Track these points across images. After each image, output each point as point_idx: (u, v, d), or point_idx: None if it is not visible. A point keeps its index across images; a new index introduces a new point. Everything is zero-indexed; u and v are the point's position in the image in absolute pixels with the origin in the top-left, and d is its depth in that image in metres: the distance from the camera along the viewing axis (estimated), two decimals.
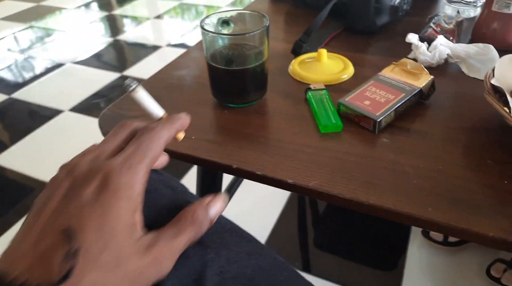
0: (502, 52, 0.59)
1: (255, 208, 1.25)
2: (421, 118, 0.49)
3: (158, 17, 2.80)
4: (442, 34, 0.62)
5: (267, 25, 0.48)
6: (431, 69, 0.59)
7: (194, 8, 2.93)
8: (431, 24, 0.63)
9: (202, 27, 0.48)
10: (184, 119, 0.31)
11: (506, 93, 0.44)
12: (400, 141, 0.45)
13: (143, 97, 0.33)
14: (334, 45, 0.69)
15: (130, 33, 2.55)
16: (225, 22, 0.53)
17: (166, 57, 2.22)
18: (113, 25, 2.73)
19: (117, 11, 2.93)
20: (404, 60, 0.53)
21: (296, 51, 0.64)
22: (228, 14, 0.52)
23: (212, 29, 0.51)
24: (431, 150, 0.44)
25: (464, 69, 0.58)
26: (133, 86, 0.32)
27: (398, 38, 0.67)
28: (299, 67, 0.61)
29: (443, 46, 0.58)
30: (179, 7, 2.94)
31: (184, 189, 0.36)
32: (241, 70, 0.50)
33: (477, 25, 0.65)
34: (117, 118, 0.53)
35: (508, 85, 0.48)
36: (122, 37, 2.50)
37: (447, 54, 0.58)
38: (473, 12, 0.74)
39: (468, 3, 0.73)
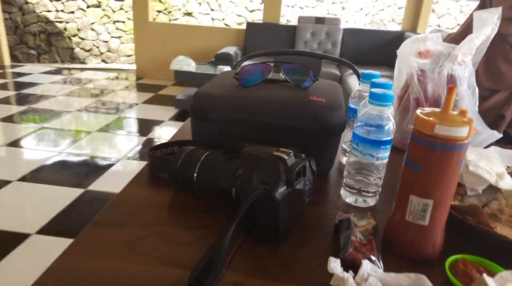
0: (420, 264, 0.53)
1: None
2: None
3: None
4: (363, 254, 0.53)
5: None
6: None
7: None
8: (350, 244, 0.54)
9: None
10: None
11: None
12: None
13: None
14: (238, 265, 0.54)
15: None
16: None
17: None
18: None
19: None
20: None
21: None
22: None
23: None
24: None
25: None
26: None
27: (308, 246, 0.56)
28: None
29: (372, 278, 0.48)
30: None
31: None
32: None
33: (389, 231, 0.59)
34: None
35: None
36: None
37: None
38: (373, 201, 0.70)
39: (368, 193, 0.69)
